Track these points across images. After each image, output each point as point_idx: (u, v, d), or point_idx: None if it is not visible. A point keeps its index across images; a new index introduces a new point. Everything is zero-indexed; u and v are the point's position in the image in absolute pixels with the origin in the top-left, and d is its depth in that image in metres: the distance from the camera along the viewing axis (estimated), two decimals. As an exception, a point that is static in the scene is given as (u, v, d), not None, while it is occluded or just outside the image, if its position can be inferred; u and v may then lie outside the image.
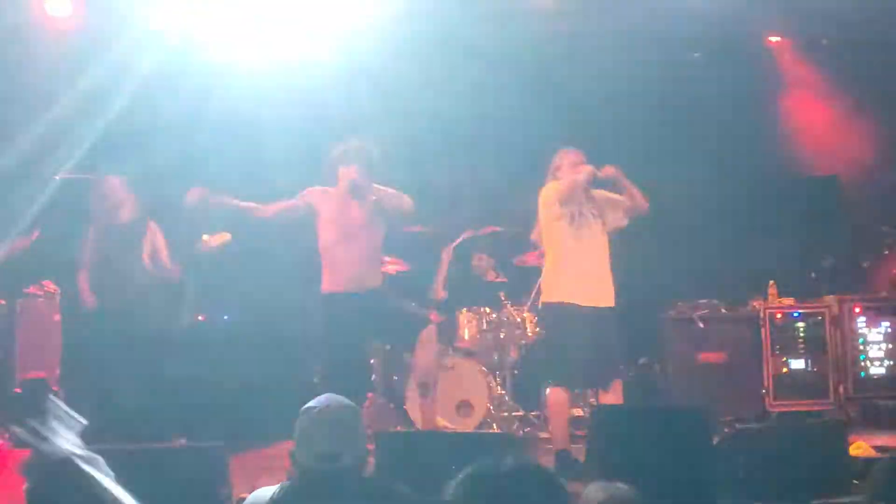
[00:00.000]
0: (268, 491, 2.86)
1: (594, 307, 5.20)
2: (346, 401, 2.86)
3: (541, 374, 5.61)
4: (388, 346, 6.53)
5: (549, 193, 5.34)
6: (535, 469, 2.32)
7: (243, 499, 4.31)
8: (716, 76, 8.15)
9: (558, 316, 5.25)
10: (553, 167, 5.44)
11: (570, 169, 5.34)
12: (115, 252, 5.85)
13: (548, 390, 5.33)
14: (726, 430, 5.79)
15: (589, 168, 5.32)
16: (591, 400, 6.54)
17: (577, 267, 5.23)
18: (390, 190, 5.37)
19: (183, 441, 5.42)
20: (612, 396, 5.13)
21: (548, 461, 5.23)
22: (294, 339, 6.93)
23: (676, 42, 7.99)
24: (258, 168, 6.82)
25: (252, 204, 5.33)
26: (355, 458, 2.69)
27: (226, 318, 6.88)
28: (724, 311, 7.19)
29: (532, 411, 6.73)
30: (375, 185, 5.25)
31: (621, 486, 2.34)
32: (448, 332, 6.72)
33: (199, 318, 7.12)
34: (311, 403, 2.76)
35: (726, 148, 8.28)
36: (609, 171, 5.33)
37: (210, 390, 6.44)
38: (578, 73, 7.77)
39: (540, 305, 5.56)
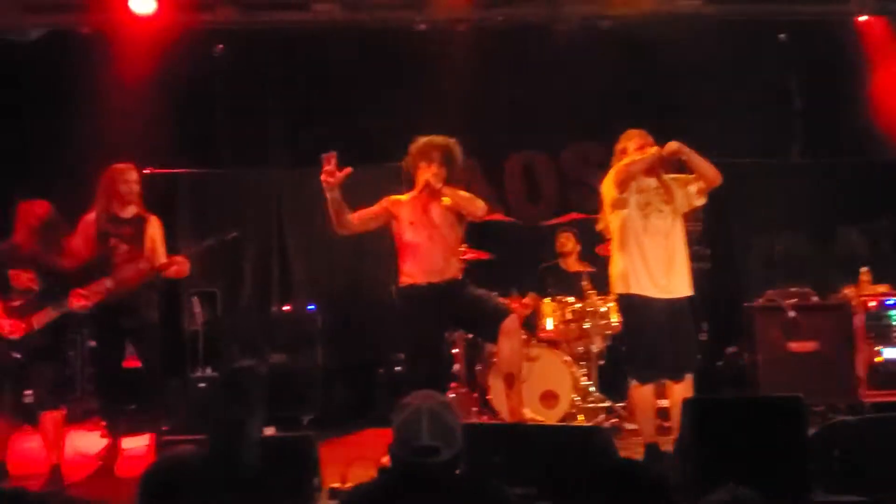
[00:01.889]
0: (366, 485, 2.92)
1: (667, 298, 5.01)
2: (441, 396, 2.90)
3: (623, 365, 5.46)
4: (470, 336, 6.53)
5: (608, 179, 5.13)
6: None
7: (335, 488, 4.42)
8: (803, 58, 7.96)
9: (630, 308, 5.11)
10: (618, 150, 5.20)
11: (635, 151, 5.10)
12: None
13: (632, 382, 5.19)
14: (819, 421, 5.66)
15: (652, 149, 5.03)
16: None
17: (647, 257, 5.01)
18: (465, 194, 5.34)
19: (272, 430, 5.52)
20: (684, 388, 5.00)
21: (636, 453, 5.20)
22: (377, 329, 7.00)
23: (762, 24, 7.83)
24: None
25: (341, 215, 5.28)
26: (452, 452, 2.71)
27: (311, 307, 6.97)
28: (815, 298, 7.02)
29: (619, 402, 6.67)
30: (450, 188, 5.24)
31: (747, 492, 2.29)
32: (532, 323, 6.71)
33: (285, 308, 7.25)
34: (408, 398, 2.78)
35: (818, 132, 8.09)
36: (673, 146, 4.96)
37: (297, 379, 6.54)
38: (665, 55, 7.68)
39: (615, 297, 5.39)
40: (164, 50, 7.63)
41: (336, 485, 4.47)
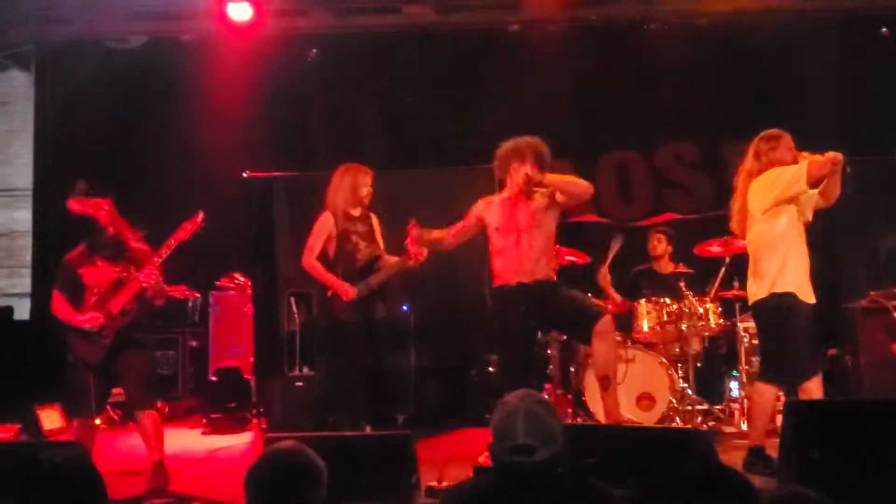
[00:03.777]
0: (464, 483, 2.95)
1: (810, 303, 4.91)
2: (540, 395, 2.90)
3: (761, 369, 5.28)
4: (564, 338, 6.51)
5: (778, 176, 4.87)
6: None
7: (432, 487, 4.46)
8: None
9: (786, 309, 4.87)
10: (762, 150, 4.99)
11: (787, 153, 4.95)
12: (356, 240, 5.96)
13: (758, 383, 5.04)
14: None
15: (837, 155, 4.80)
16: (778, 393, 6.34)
17: (804, 261, 4.94)
18: (567, 177, 5.37)
19: (369, 428, 5.59)
20: (817, 387, 4.88)
21: (735, 457, 5.09)
22: (470, 330, 7.03)
23: (863, 18, 7.61)
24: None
25: (438, 234, 5.49)
26: (551, 452, 2.71)
27: (405, 308, 7.04)
28: (920, 300, 6.78)
29: (716, 404, 6.56)
30: (551, 176, 5.24)
31: (809, 494, 2.23)
32: (628, 324, 6.65)
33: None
34: (507, 397, 2.79)
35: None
36: (837, 157, 4.78)
37: (392, 379, 6.61)
38: (763, 53, 7.54)
39: (760, 299, 5.01)
40: (260, 56, 7.82)
41: (433, 483, 4.50)
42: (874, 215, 5.68)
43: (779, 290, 4.89)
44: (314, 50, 8.21)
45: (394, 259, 5.84)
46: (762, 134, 5.07)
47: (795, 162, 4.93)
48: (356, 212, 5.91)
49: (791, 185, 4.84)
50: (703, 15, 7.56)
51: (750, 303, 5.11)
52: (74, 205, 5.17)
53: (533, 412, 2.74)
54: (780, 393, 5.32)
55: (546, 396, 6.34)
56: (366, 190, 5.88)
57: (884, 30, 7.79)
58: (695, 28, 7.65)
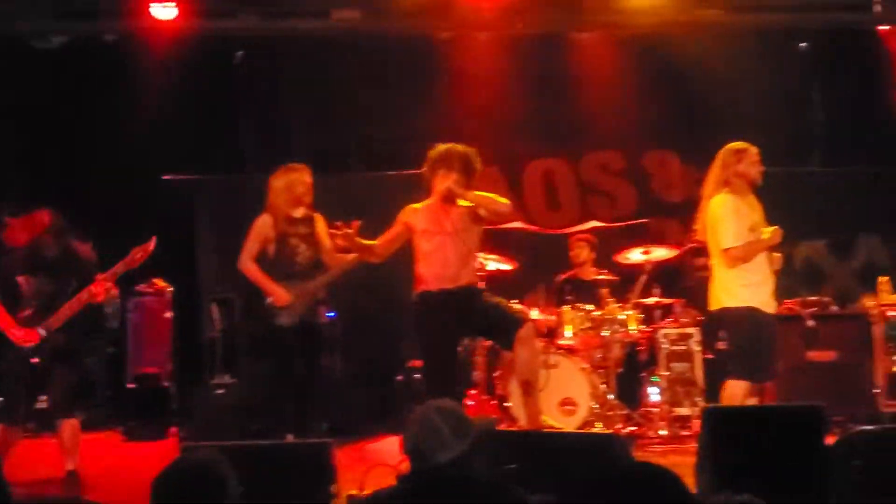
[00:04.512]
0: (384, 491, 2.94)
1: (768, 312, 5.28)
2: (446, 401, 2.93)
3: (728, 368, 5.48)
4: (490, 344, 6.53)
5: (734, 202, 5.22)
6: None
7: (353, 496, 4.42)
8: (824, 66, 7.94)
9: (746, 319, 5.22)
10: (727, 162, 5.29)
11: (751, 167, 5.28)
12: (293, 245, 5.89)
13: (732, 381, 5.23)
14: (838, 430, 5.63)
15: (776, 235, 5.25)
16: (697, 399, 6.47)
17: (764, 276, 5.25)
18: (488, 194, 5.38)
19: (290, 437, 5.53)
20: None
21: (654, 461, 5.16)
22: (396, 336, 7.01)
23: (783, 33, 7.83)
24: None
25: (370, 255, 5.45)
26: (451, 456, 2.74)
27: (331, 315, 6.99)
28: (834, 308, 7.00)
29: (636, 409, 6.66)
30: (473, 192, 5.26)
31: (746, 498, 2.28)
32: (551, 331, 6.70)
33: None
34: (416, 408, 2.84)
35: (838, 141, 8.07)
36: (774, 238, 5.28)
37: (315, 387, 6.56)
38: (686, 64, 7.69)
39: (714, 311, 5.44)
40: (185, 57, 7.69)
41: (353, 492, 4.47)
42: (789, 225, 5.82)
43: (743, 303, 5.18)
44: (240, 52, 8.10)
45: (348, 257, 5.75)
46: (729, 146, 5.35)
47: (757, 178, 5.27)
48: (298, 213, 5.83)
49: (717, 244, 5.17)
50: (628, 27, 7.67)
51: (717, 308, 5.35)
52: (19, 234, 5.09)
53: (428, 418, 2.79)
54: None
55: (469, 403, 6.42)
56: (301, 188, 5.79)
57: (801, 45, 8.01)
58: (620, 39, 7.77)
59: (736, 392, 5.15)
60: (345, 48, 7.65)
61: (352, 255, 5.71)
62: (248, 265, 5.77)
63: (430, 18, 7.62)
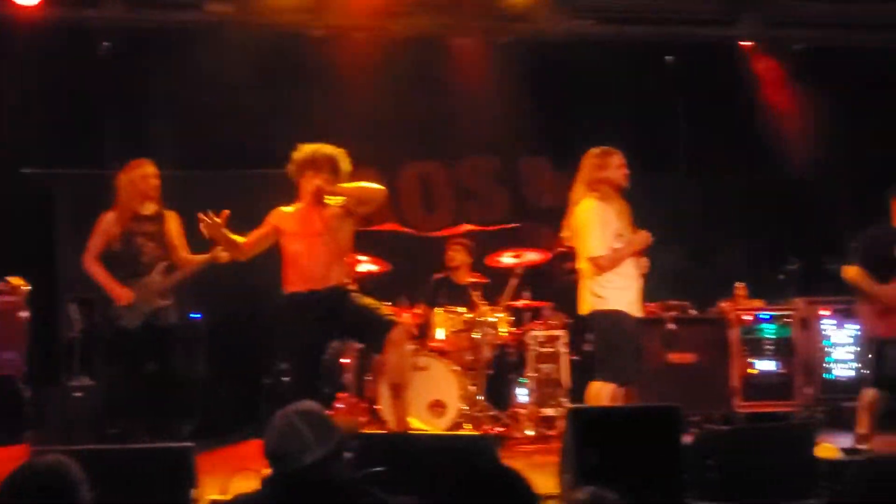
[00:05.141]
0: (243, 495, 2.89)
1: (636, 316, 5.34)
2: (308, 404, 2.91)
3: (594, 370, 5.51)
4: (360, 346, 6.50)
5: (600, 208, 5.25)
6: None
7: (215, 501, 4.31)
8: (690, 79, 8.24)
9: (613, 322, 5.25)
10: (595, 165, 5.32)
11: (616, 171, 5.31)
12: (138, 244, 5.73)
13: (599, 383, 5.27)
14: (694, 430, 5.85)
15: (642, 241, 5.32)
16: (563, 400, 6.61)
17: (630, 279, 5.31)
18: (359, 183, 5.33)
19: (150, 441, 5.37)
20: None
21: (522, 461, 5.25)
22: (263, 338, 6.89)
23: (652, 45, 8.07)
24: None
25: (229, 248, 5.31)
26: (313, 459, 2.73)
27: (197, 316, 6.82)
28: (693, 312, 7.26)
29: (505, 410, 6.74)
30: (341, 186, 5.21)
31: (607, 496, 2.34)
32: (422, 333, 6.73)
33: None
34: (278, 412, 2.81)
35: (702, 151, 8.38)
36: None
37: (179, 389, 6.39)
38: (560, 72, 7.83)
39: (584, 315, 5.44)
40: (47, 46, 7.36)
41: (216, 497, 4.36)
42: (653, 231, 6.00)
43: (610, 306, 5.23)
44: (106, 43, 7.80)
45: (199, 258, 5.64)
46: (592, 151, 5.37)
47: (623, 182, 5.32)
48: (147, 210, 5.71)
49: (584, 250, 5.23)
50: (506, 33, 7.77)
51: (585, 311, 5.37)
52: None
53: (286, 421, 2.79)
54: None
55: (339, 406, 6.38)
56: (145, 185, 5.69)
57: (668, 58, 8.29)
58: (496, 45, 7.85)
59: (601, 394, 5.21)
60: (216, 42, 7.45)
61: (203, 257, 5.63)
62: (90, 263, 5.64)
63: (304, 16, 7.52)
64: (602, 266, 5.21)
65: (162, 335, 5.68)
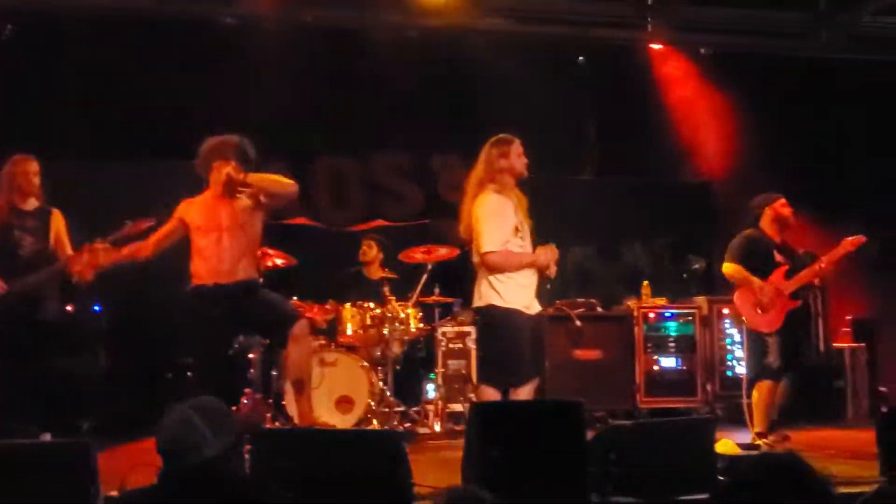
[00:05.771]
0: (135, 490, 2.83)
1: (531, 314, 5.01)
2: (205, 399, 2.87)
3: (479, 372, 5.37)
4: (267, 341, 6.42)
5: (498, 202, 4.95)
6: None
7: (112, 497, 4.21)
8: (599, 80, 8.35)
9: (504, 319, 4.95)
10: (495, 154, 5.00)
11: (517, 160, 5.02)
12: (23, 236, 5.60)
13: (484, 386, 5.04)
14: (599, 425, 5.96)
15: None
16: (471, 396, 6.64)
17: (527, 277, 4.99)
18: (272, 176, 5.28)
19: (47, 436, 5.21)
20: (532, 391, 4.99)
21: (429, 457, 5.25)
22: (167, 332, 6.74)
23: (562, 45, 8.16)
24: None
25: (133, 246, 5.22)
26: (209, 454, 2.71)
27: (97, 308, 6.64)
28: (599, 309, 7.39)
29: (413, 407, 6.75)
30: (255, 175, 5.14)
31: (480, 494, 2.32)
32: (332, 328, 6.68)
33: (68, 308, 6.85)
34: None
35: (609, 152, 8.51)
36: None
37: (78, 384, 6.21)
38: (469, 69, 7.85)
39: (479, 307, 5.07)
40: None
41: (113, 493, 4.26)
42: (562, 231, 6.10)
43: (490, 302, 4.97)
44: (9, 26, 7.51)
45: (62, 260, 5.53)
46: (493, 139, 5.09)
47: (523, 171, 5.05)
48: (27, 206, 5.62)
49: (478, 245, 4.97)
50: (415, 27, 7.76)
51: (482, 304, 5.06)
52: None
53: (178, 417, 2.77)
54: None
55: (245, 401, 6.28)
56: (24, 179, 5.59)
57: (580, 58, 8.40)
58: (408, 40, 7.83)
59: (487, 396, 4.97)
60: (125, 28, 7.25)
61: (59, 262, 5.54)
62: None
63: (214, 3, 7.39)
64: (494, 263, 4.91)
65: (40, 330, 5.53)
